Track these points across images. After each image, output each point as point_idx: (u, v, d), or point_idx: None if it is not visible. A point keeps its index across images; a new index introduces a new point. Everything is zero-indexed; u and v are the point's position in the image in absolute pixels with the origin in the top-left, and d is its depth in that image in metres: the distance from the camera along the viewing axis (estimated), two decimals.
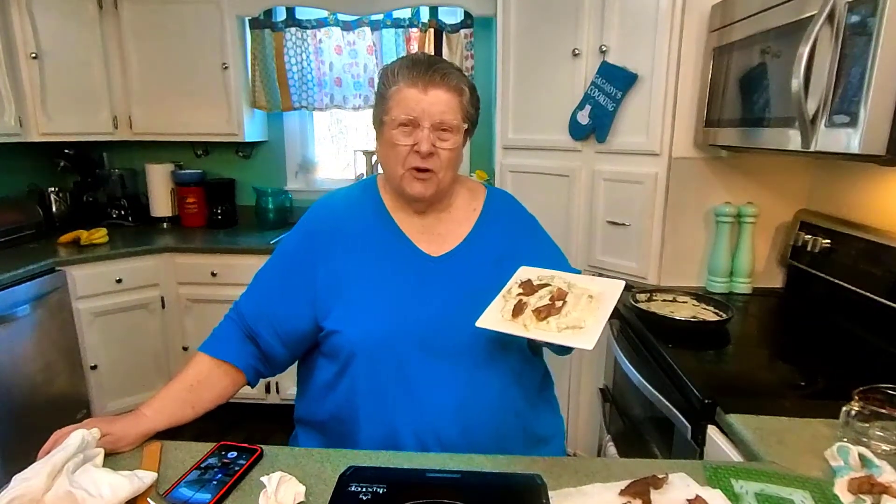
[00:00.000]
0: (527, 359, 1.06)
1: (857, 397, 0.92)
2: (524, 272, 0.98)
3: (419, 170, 0.99)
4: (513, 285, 0.94)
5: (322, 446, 1.01)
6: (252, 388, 1.07)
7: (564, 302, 0.87)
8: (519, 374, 1.04)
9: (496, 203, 1.13)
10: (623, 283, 0.94)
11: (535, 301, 0.88)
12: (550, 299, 0.88)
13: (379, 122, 1.02)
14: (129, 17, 2.71)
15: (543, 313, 0.85)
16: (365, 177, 3.07)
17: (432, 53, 2.79)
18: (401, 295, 1.00)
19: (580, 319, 0.84)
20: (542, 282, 0.94)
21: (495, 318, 0.88)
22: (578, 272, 1.04)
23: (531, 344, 1.04)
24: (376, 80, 1.10)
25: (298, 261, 1.04)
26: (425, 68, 0.96)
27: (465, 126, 1.01)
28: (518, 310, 0.88)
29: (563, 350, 1.00)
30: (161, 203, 3.05)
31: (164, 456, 0.87)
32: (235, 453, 0.86)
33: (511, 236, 1.09)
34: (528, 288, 0.92)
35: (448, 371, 0.97)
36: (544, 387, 1.13)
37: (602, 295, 0.90)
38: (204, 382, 0.99)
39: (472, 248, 1.06)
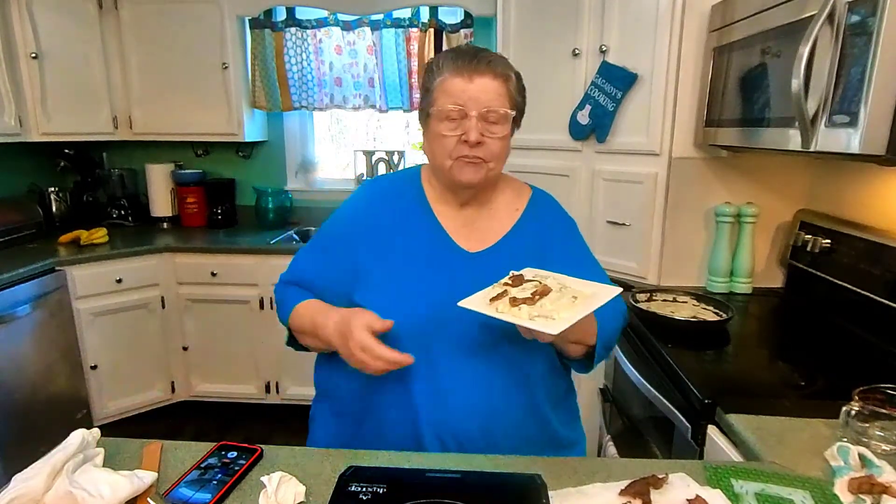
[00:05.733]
0: (554, 367, 1.06)
1: (857, 397, 0.92)
2: (527, 271, 0.98)
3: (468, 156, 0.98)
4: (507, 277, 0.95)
5: (337, 428, 1.03)
6: None
7: (544, 297, 0.87)
8: (543, 379, 1.03)
9: (539, 204, 1.12)
10: (619, 290, 0.93)
11: (516, 292, 0.88)
12: (532, 293, 0.88)
13: (425, 115, 1.02)
14: (129, 16, 2.72)
15: (519, 302, 0.85)
16: (365, 177, 3.07)
17: (432, 53, 2.79)
18: (433, 288, 0.99)
19: (553, 311, 0.84)
20: (536, 279, 0.94)
21: (476, 301, 0.89)
22: (611, 283, 0.99)
23: (560, 354, 1.04)
24: (421, 77, 1.09)
25: (340, 242, 1.06)
26: (470, 57, 0.96)
27: (513, 114, 1.00)
28: (499, 297, 0.88)
29: (582, 367, 1.02)
30: (161, 203, 3.05)
31: (164, 456, 0.87)
32: (235, 453, 0.86)
33: (548, 238, 1.08)
34: (517, 280, 0.92)
35: (474, 367, 0.97)
36: (567, 397, 1.12)
37: (590, 298, 0.89)
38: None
39: (508, 246, 1.05)
